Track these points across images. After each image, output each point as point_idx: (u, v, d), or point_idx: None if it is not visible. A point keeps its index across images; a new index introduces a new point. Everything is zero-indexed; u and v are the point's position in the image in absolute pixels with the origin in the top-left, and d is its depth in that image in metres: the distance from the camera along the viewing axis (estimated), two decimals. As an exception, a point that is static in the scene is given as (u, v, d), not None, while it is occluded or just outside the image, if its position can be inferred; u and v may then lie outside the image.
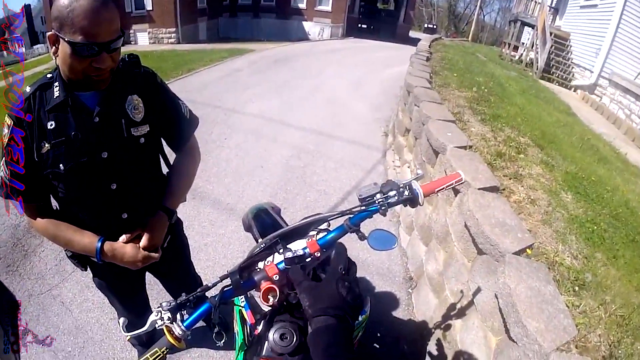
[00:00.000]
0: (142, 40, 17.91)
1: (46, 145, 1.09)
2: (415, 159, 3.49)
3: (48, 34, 1.02)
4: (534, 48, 11.52)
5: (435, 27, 39.32)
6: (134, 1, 17.42)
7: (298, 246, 1.00)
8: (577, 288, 1.67)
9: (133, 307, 1.59)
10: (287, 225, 1.34)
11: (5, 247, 2.99)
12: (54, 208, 1.27)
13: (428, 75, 5.06)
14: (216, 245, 2.97)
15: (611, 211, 2.52)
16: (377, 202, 0.99)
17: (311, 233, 1.06)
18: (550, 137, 3.74)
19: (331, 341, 0.69)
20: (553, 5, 14.07)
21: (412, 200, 1.01)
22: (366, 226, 1.01)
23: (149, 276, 1.66)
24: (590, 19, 9.93)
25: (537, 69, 10.74)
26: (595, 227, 2.20)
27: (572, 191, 2.58)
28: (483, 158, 2.62)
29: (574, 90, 9.98)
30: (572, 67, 10.47)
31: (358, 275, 2.73)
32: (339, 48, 15.46)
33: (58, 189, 1.17)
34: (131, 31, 17.81)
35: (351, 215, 1.02)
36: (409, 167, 3.80)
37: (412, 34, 25.09)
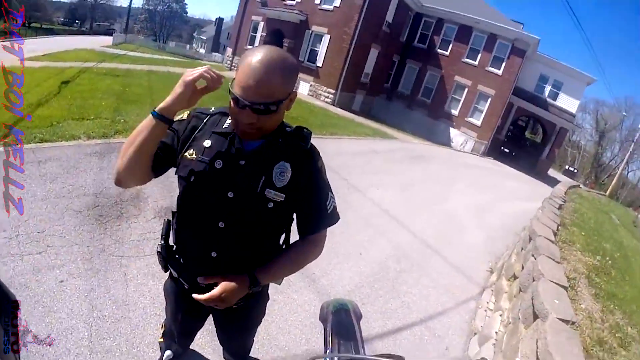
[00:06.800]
0: (302, 89, 18.51)
1: (194, 155, 1.16)
2: (511, 311, 3.10)
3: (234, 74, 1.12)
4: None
5: (575, 171, 36.62)
6: (309, 54, 18.54)
7: None
8: None
9: (177, 327, 1.54)
10: (362, 339, 1.27)
11: (107, 200, 3.30)
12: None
13: (555, 226, 4.56)
14: (283, 308, 2.88)
15: None
16: None
17: None
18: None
19: None
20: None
21: None
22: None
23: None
24: None
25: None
26: None
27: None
28: (582, 340, 2.25)
29: None
30: None
31: None
32: (476, 165, 14.87)
33: (178, 188, 1.23)
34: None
35: None
36: (500, 316, 3.35)
37: (551, 171, 23.18)
